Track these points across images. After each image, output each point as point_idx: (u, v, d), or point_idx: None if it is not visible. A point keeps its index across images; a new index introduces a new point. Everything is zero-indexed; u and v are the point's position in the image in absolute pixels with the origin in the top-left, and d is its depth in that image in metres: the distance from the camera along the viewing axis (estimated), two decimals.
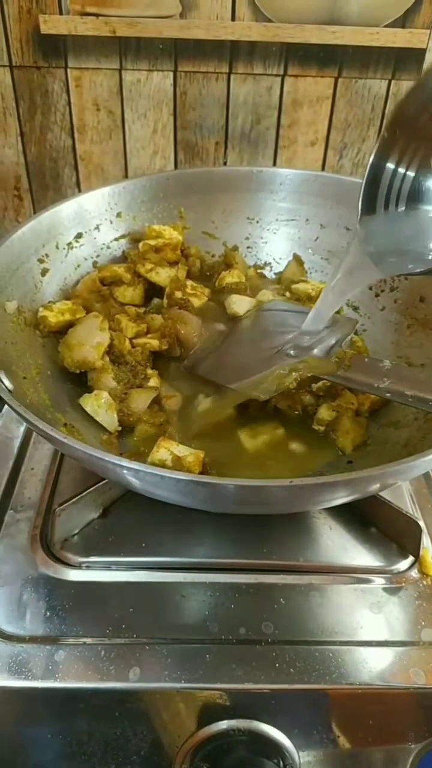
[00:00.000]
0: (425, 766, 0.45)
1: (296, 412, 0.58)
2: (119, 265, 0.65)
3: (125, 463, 0.39)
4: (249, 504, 0.44)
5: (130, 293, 0.64)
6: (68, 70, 0.79)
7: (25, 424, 0.62)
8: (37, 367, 0.55)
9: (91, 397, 0.55)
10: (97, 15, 0.75)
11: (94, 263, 0.66)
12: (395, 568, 0.52)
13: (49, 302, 0.60)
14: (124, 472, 0.40)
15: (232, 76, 0.80)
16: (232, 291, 0.67)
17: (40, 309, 0.58)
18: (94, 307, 0.61)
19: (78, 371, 0.57)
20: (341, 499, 0.44)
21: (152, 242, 0.65)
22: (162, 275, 0.65)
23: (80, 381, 0.58)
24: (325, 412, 0.56)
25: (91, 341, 0.57)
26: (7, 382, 0.45)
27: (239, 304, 0.66)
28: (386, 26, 0.78)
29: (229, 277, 0.68)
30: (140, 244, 0.66)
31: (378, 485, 0.44)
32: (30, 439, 0.62)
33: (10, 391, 0.44)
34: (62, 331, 0.59)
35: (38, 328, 0.58)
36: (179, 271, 0.65)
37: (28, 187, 0.87)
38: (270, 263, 0.73)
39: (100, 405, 0.55)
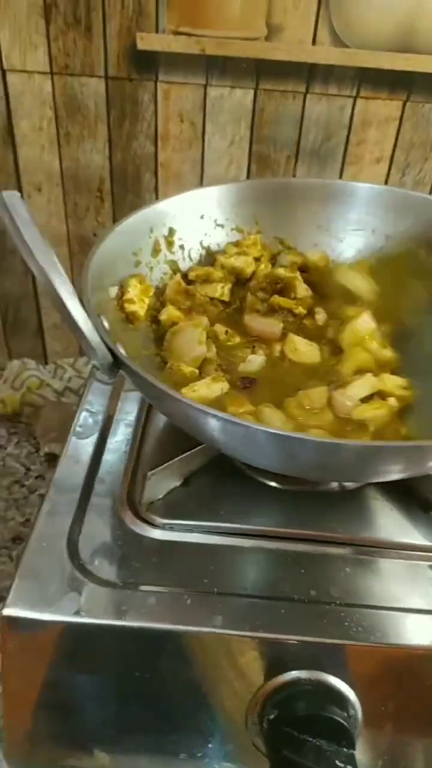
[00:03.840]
0: None
1: None
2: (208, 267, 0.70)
3: (226, 416, 0.44)
4: (330, 465, 0.49)
5: (219, 289, 0.68)
6: (158, 84, 0.86)
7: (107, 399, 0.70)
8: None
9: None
10: (189, 34, 0.82)
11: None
12: None
13: (126, 298, 0.63)
14: (227, 425, 0.45)
15: (307, 96, 0.86)
16: None
17: (126, 305, 0.63)
18: (183, 305, 0.66)
19: None
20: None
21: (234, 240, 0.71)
22: (240, 260, 0.70)
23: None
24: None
25: (190, 354, 0.61)
26: (122, 349, 0.50)
27: None
28: None
29: None
30: (225, 245, 0.72)
31: None
32: (113, 415, 0.68)
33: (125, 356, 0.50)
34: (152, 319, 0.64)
35: (130, 321, 0.63)
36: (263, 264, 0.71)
37: (110, 189, 0.94)
38: None
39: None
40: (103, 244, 0.60)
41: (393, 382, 0.62)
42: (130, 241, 0.66)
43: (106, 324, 0.52)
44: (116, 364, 0.49)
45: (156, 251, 0.69)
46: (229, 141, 0.90)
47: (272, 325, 0.67)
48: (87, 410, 0.68)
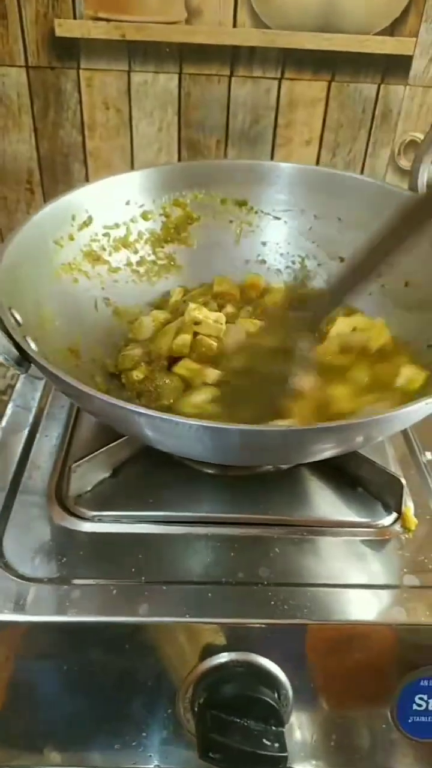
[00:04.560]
0: (406, 696, 0.50)
1: None
2: None
3: (140, 409, 0.43)
4: (256, 451, 0.49)
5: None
6: (80, 71, 0.84)
7: (40, 393, 0.69)
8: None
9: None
10: (108, 20, 0.81)
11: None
12: (380, 524, 0.57)
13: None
14: (138, 418, 0.44)
15: (232, 79, 0.86)
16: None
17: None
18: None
19: None
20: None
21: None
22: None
23: None
24: None
25: None
26: (32, 343, 0.49)
27: None
28: (376, 34, 0.83)
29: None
30: None
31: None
32: (44, 408, 0.67)
33: (35, 350, 0.49)
34: None
35: None
36: None
37: (39, 180, 0.92)
38: (266, 242, 0.78)
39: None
40: (20, 235, 0.59)
41: (368, 321, 0.68)
42: (50, 231, 0.64)
43: (17, 317, 0.51)
44: (25, 357, 0.48)
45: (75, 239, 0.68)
46: (157, 127, 0.89)
47: (237, 333, 0.68)
48: (17, 405, 0.67)
